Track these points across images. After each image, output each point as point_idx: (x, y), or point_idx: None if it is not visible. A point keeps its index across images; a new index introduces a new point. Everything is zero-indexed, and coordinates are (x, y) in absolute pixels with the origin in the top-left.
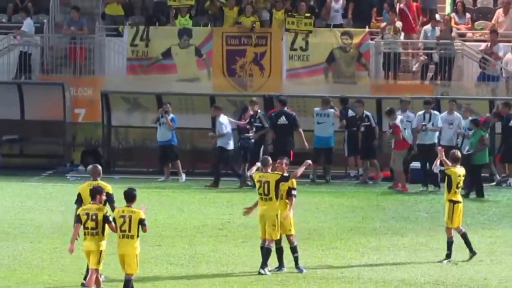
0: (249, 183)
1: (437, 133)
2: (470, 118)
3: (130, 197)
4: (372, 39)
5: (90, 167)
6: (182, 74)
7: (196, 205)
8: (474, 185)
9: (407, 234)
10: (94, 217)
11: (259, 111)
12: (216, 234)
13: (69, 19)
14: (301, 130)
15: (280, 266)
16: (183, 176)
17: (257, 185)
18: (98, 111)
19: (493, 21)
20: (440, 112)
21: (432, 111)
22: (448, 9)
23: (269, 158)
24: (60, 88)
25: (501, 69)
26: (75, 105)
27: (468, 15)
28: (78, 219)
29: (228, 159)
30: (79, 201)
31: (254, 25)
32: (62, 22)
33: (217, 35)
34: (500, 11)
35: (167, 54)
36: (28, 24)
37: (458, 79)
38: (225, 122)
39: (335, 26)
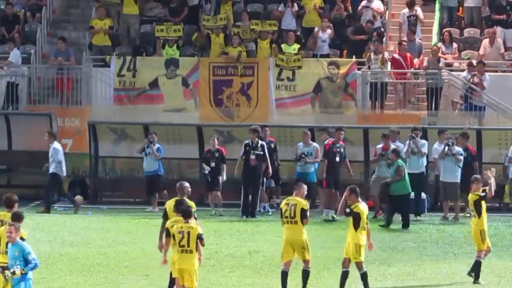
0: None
1: (425, 163)
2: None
3: (187, 213)
4: (359, 69)
5: (177, 184)
6: (169, 104)
7: None
8: (401, 215)
9: (394, 264)
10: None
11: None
12: (204, 264)
13: (56, 49)
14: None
15: None
16: None
17: (284, 208)
18: (85, 141)
19: (479, 51)
20: (427, 141)
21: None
22: (435, 39)
23: (303, 184)
24: (47, 119)
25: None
26: (62, 135)
27: (455, 44)
28: (167, 233)
29: (61, 185)
30: (165, 216)
31: (240, 55)
32: (49, 52)
33: (204, 65)
34: (486, 41)
35: (154, 84)
36: (15, 55)
37: (445, 109)
38: (59, 148)
39: (322, 56)
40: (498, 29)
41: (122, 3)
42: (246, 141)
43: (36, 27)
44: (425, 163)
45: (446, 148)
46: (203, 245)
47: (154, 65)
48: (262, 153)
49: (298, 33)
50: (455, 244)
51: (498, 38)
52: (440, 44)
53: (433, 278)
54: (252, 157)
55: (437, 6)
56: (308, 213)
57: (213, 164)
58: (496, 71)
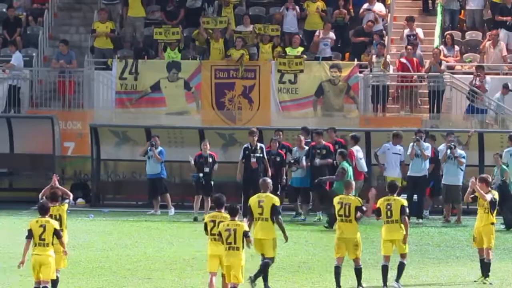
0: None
1: (427, 166)
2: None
3: (234, 211)
4: (361, 72)
5: (261, 180)
6: (171, 107)
7: (185, 238)
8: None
9: (396, 267)
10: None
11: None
12: (206, 267)
13: (58, 52)
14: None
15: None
16: (173, 209)
17: (338, 206)
18: (87, 144)
19: (481, 54)
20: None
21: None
22: (437, 41)
23: (352, 182)
24: (49, 122)
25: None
26: (64, 138)
27: (456, 47)
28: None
29: None
30: (250, 213)
31: (242, 57)
32: (51, 55)
33: (206, 68)
34: (488, 44)
35: (156, 87)
36: (17, 58)
37: (447, 112)
38: None
39: (324, 59)
40: (501, 32)
41: (127, 6)
42: (245, 145)
43: (38, 30)
44: (427, 166)
45: (448, 151)
46: (249, 242)
47: (156, 68)
48: (261, 155)
49: (300, 36)
50: (457, 247)
51: (501, 41)
52: (442, 47)
53: (435, 281)
54: (253, 160)
55: (439, 9)
56: (363, 208)
57: (206, 170)
58: (498, 74)
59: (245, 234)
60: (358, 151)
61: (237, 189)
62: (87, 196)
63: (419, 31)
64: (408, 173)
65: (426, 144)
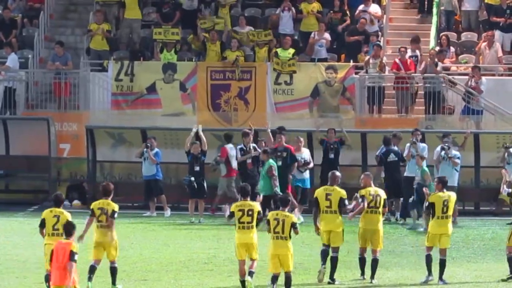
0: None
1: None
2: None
3: (285, 202)
4: (356, 73)
5: (330, 174)
6: (167, 108)
7: (181, 239)
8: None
9: (392, 268)
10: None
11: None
12: (202, 269)
13: (54, 54)
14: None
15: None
16: (169, 211)
17: (369, 198)
18: (83, 146)
19: (477, 55)
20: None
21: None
22: (432, 43)
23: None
24: (45, 124)
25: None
26: (60, 140)
27: (452, 48)
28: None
29: None
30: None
31: (237, 59)
32: (46, 57)
33: (202, 70)
34: (484, 45)
35: (151, 89)
36: (12, 60)
37: (443, 113)
38: None
39: (320, 60)
40: (497, 33)
41: (124, 7)
42: (240, 146)
43: (34, 32)
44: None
45: (443, 152)
46: (296, 233)
47: (152, 69)
48: (257, 155)
49: (296, 37)
50: (453, 247)
51: (497, 42)
52: (437, 48)
53: (432, 282)
54: (249, 161)
55: (434, 10)
56: (386, 202)
57: (197, 168)
58: (494, 75)
59: (293, 225)
60: (231, 149)
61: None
62: (83, 197)
63: (418, 54)
64: (405, 174)
65: (423, 145)
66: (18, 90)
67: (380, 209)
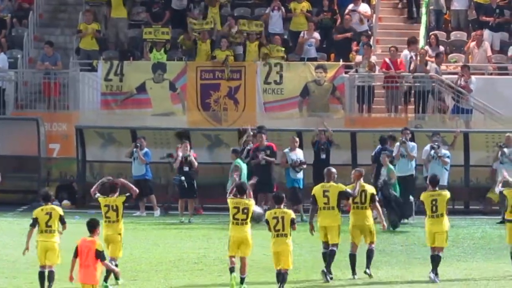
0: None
1: (414, 166)
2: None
3: (279, 199)
4: (346, 73)
5: (325, 170)
6: (157, 108)
7: (171, 239)
8: None
9: (382, 267)
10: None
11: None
12: (192, 268)
13: (43, 54)
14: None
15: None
16: (158, 210)
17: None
18: (73, 146)
19: (466, 54)
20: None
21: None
22: (422, 42)
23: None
24: (34, 124)
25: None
26: (50, 140)
27: (441, 48)
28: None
29: None
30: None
31: (227, 59)
32: (36, 57)
33: (191, 70)
34: (473, 44)
35: (141, 88)
36: (1, 60)
37: (433, 112)
38: None
39: (309, 59)
40: (486, 32)
41: (110, 7)
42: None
43: (23, 32)
44: (414, 165)
45: (432, 151)
46: (294, 229)
47: (141, 69)
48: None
49: (285, 36)
50: None
51: (486, 41)
52: (427, 47)
53: (421, 281)
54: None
55: (423, 9)
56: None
57: (186, 169)
58: (483, 74)
59: (292, 221)
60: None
61: (223, 189)
62: (73, 197)
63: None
64: (397, 173)
65: (412, 144)
66: (7, 90)
67: (367, 204)
